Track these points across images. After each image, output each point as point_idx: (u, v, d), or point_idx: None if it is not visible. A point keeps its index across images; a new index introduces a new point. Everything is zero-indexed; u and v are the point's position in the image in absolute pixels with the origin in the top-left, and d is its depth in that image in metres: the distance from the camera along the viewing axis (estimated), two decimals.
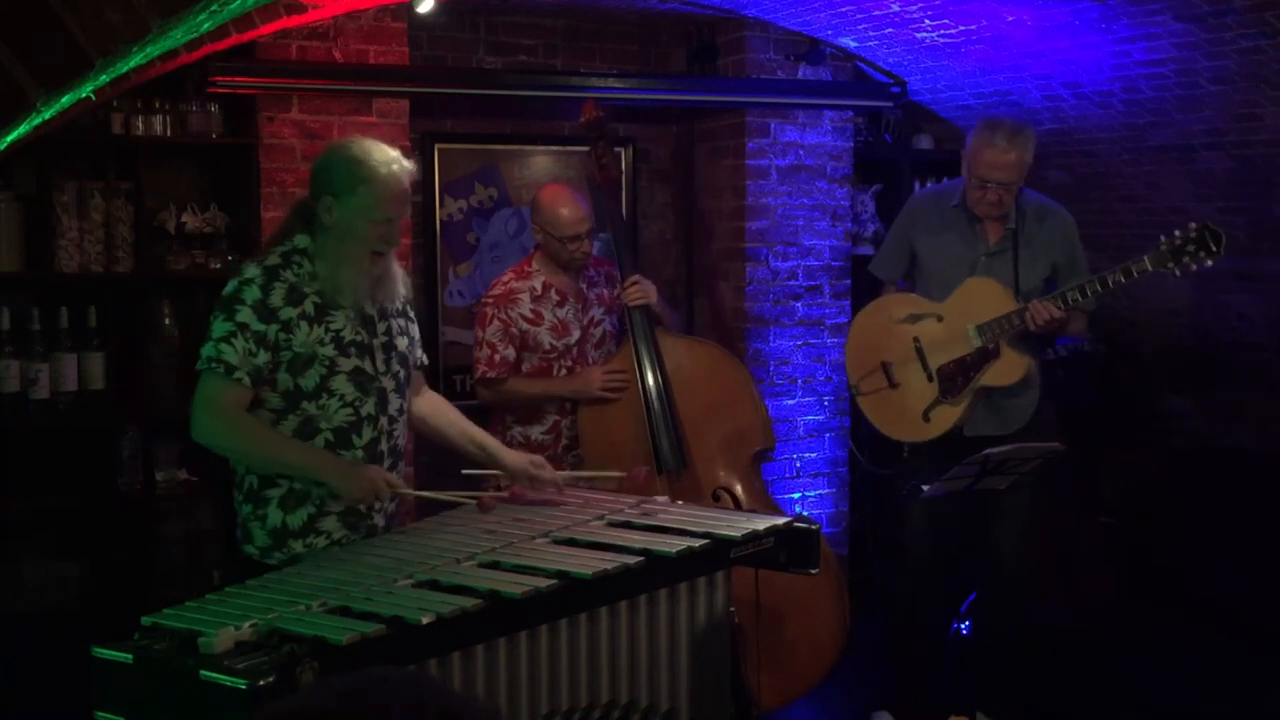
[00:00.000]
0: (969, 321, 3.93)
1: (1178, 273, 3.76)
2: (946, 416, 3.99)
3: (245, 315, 2.90)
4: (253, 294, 2.91)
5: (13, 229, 4.35)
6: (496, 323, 4.07)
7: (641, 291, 4.06)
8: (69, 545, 4.57)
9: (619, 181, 4.31)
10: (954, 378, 3.96)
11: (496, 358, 4.05)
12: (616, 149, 4.24)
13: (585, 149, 4.34)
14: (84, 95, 3.11)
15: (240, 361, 2.88)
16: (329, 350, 2.96)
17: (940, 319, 4.00)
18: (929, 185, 4.43)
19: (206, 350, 2.90)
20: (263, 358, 2.90)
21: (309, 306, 2.95)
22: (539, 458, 3.34)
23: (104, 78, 3.02)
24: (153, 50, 3.20)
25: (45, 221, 4.35)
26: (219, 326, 2.90)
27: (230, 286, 2.95)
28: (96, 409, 4.42)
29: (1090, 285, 3.79)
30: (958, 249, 4.06)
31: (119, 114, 4.36)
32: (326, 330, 2.96)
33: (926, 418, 4.01)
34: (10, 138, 2.83)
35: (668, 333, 4.14)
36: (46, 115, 2.90)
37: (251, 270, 2.96)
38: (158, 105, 4.42)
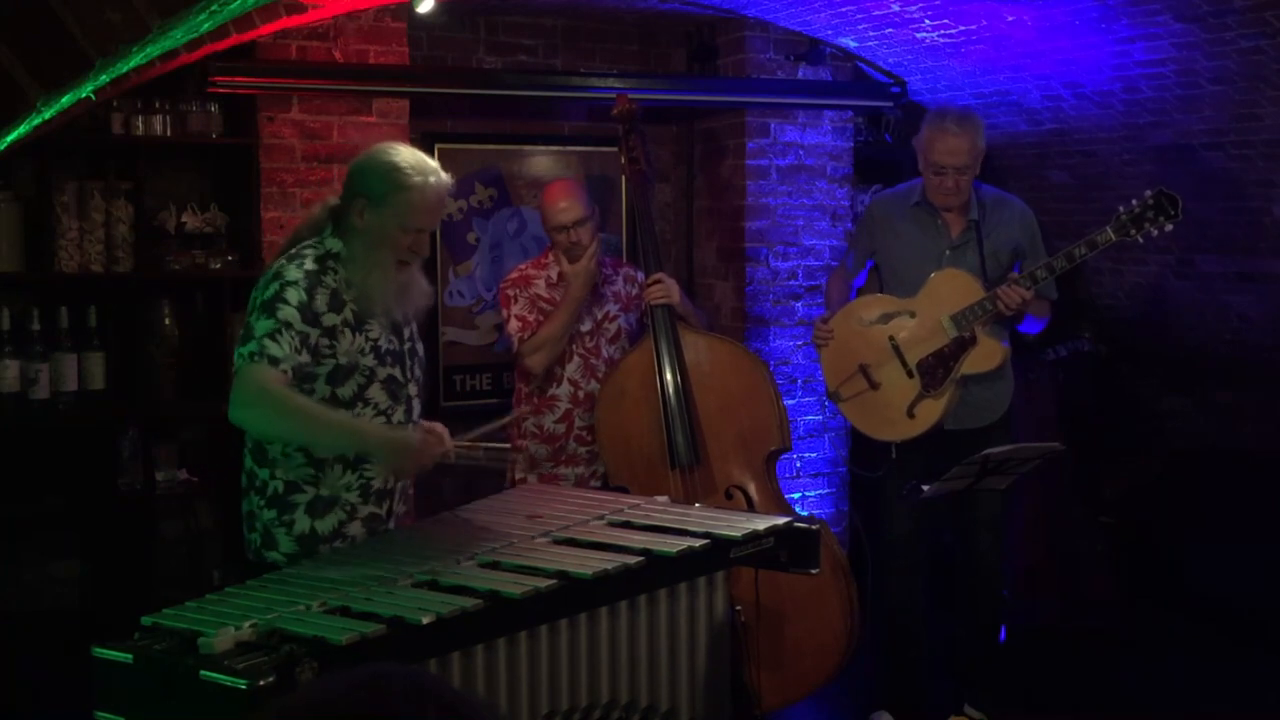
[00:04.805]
0: (942, 313, 3.98)
1: (1140, 239, 3.87)
2: (931, 410, 4.01)
3: (289, 314, 2.82)
4: (298, 295, 2.84)
5: (13, 229, 4.35)
6: (522, 299, 4.14)
7: (664, 290, 4.06)
8: (69, 545, 4.57)
9: (647, 175, 4.29)
10: (934, 370, 3.99)
11: (531, 318, 4.10)
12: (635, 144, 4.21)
13: (586, 149, 4.35)
14: (84, 95, 3.11)
15: (284, 355, 2.79)
16: (369, 360, 2.93)
17: (913, 315, 4.04)
18: (886, 189, 4.48)
19: (249, 348, 2.80)
20: (305, 358, 2.83)
21: (349, 314, 2.91)
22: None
23: (104, 78, 3.03)
24: (153, 50, 3.20)
25: (45, 221, 4.35)
26: (262, 325, 2.81)
27: (271, 289, 2.85)
28: (96, 409, 4.42)
29: (1056, 261, 3.88)
30: (922, 245, 4.11)
31: (119, 114, 4.36)
32: (366, 339, 2.93)
33: (911, 414, 4.02)
34: (10, 138, 2.83)
35: (690, 328, 4.15)
36: (46, 115, 2.91)
37: (293, 272, 2.87)
38: (158, 105, 4.41)
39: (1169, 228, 3.83)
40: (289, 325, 2.82)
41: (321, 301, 2.87)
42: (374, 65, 4.57)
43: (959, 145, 3.96)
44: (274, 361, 2.79)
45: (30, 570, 4.54)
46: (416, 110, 4.74)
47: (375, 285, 2.93)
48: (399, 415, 2.99)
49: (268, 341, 2.80)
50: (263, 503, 2.96)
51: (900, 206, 4.19)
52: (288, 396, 2.80)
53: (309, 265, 2.91)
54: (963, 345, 3.97)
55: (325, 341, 2.87)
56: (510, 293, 4.17)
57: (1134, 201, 3.84)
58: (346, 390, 2.91)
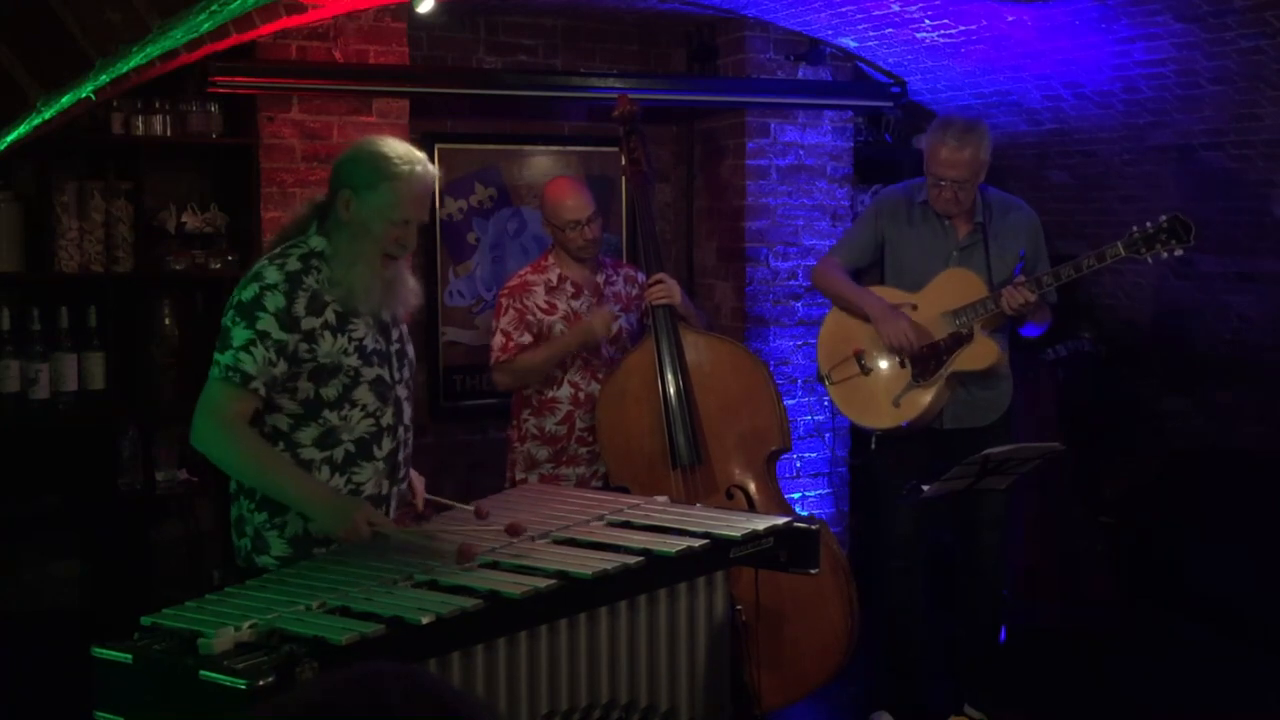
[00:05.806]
0: (943, 308, 4.00)
1: (1149, 259, 3.88)
2: (916, 401, 4.03)
3: (267, 323, 2.80)
4: (276, 301, 2.81)
5: (13, 229, 4.35)
6: (512, 312, 4.10)
7: (665, 290, 4.05)
8: (69, 545, 4.57)
9: (648, 176, 4.27)
10: (927, 361, 4.02)
11: (510, 344, 4.07)
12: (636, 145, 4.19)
13: (586, 149, 4.34)
14: (84, 95, 3.11)
15: (258, 371, 2.79)
16: (353, 360, 2.88)
17: (915, 307, 4.06)
18: (894, 184, 4.48)
19: (225, 359, 2.80)
20: (281, 368, 2.81)
21: (330, 315, 2.87)
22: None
23: (104, 78, 3.03)
24: (153, 50, 3.20)
25: (45, 221, 4.36)
26: (239, 334, 2.80)
27: (250, 291, 2.83)
28: (96, 409, 4.42)
29: (1064, 270, 3.89)
30: (930, 244, 4.13)
31: (119, 114, 4.36)
32: (349, 339, 2.88)
33: (897, 403, 4.05)
34: (10, 138, 2.83)
35: (690, 329, 4.14)
36: (46, 115, 2.90)
37: (273, 275, 2.84)
38: (158, 105, 4.42)
39: (1179, 253, 3.84)
40: (266, 335, 2.80)
41: (301, 305, 2.83)
42: (374, 65, 4.57)
43: (958, 159, 3.95)
44: (246, 380, 2.79)
45: (30, 570, 4.54)
46: (416, 110, 4.74)
47: (360, 279, 2.88)
48: (388, 417, 2.96)
49: (243, 355, 2.79)
50: (252, 506, 2.93)
51: (908, 203, 4.19)
52: (244, 437, 2.82)
53: (291, 266, 2.87)
54: (958, 341, 4.00)
55: (305, 346, 2.84)
56: (504, 302, 4.13)
57: (1148, 223, 3.84)
58: (331, 390, 2.88)
